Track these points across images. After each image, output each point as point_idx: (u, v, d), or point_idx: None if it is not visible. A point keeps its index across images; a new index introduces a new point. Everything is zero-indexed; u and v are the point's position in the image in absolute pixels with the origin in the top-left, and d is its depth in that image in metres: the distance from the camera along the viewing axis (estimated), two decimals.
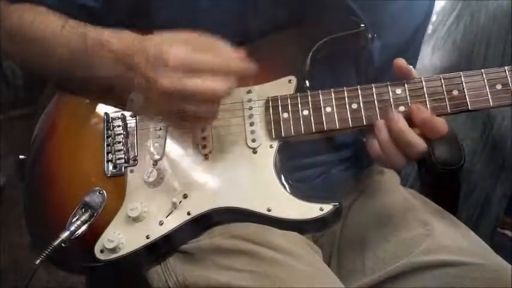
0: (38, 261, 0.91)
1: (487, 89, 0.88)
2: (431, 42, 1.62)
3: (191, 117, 0.87)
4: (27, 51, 0.98)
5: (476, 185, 1.65)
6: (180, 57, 0.82)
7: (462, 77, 0.89)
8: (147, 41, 0.86)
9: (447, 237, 0.97)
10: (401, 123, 0.87)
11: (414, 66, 1.07)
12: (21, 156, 1.08)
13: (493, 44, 1.58)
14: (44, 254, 0.91)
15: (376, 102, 0.91)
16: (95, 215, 0.96)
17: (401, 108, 0.90)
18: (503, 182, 1.66)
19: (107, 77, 0.90)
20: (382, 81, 0.93)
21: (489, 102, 0.88)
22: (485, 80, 0.89)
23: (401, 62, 0.90)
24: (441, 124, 0.87)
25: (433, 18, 1.64)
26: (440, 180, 1.27)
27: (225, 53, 0.85)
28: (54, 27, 0.94)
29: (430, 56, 1.62)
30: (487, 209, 1.67)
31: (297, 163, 1.02)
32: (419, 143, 0.87)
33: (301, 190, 0.94)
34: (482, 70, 0.89)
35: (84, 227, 0.95)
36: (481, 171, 1.64)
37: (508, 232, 1.88)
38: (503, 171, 1.65)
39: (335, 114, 0.92)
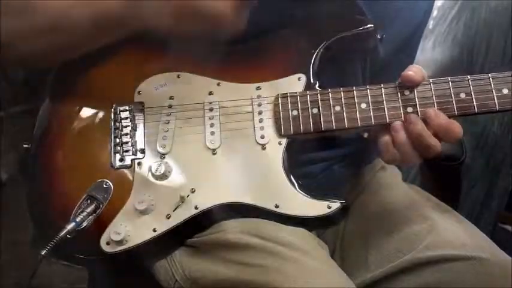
0: (43, 252, 0.91)
1: (494, 93, 0.90)
2: (432, 38, 1.63)
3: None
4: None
5: (477, 180, 1.67)
6: None
7: (469, 81, 0.91)
8: None
9: (449, 232, 0.98)
10: (421, 126, 0.89)
11: (412, 62, 1.08)
12: (25, 145, 1.06)
13: (494, 39, 1.58)
14: (49, 245, 0.90)
15: (384, 102, 0.92)
16: (101, 207, 0.96)
17: (409, 109, 0.91)
18: (504, 177, 1.68)
19: None
20: (382, 76, 0.95)
21: (495, 106, 0.90)
22: (492, 84, 0.90)
23: (408, 75, 0.91)
24: (458, 129, 0.88)
25: (434, 13, 1.64)
26: (442, 176, 1.28)
27: None
28: None
29: (431, 51, 1.62)
30: (488, 204, 1.69)
31: (301, 158, 1.03)
32: (437, 145, 0.88)
33: (309, 187, 0.95)
34: (490, 74, 0.91)
35: (89, 219, 0.95)
36: (482, 167, 1.66)
37: (508, 227, 1.89)
38: (504, 167, 1.67)
39: (344, 113, 0.93)
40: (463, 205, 1.61)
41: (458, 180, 1.34)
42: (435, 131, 0.89)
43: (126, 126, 0.99)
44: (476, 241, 0.97)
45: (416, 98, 0.91)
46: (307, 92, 0.96)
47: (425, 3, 1.13)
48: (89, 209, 0.95)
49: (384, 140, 0.92)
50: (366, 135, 0.98)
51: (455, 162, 1.19)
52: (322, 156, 1.08)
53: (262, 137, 0.96)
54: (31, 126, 1.06)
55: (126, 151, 0.99)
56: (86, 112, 1.01)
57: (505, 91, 0.90)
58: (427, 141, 0.88)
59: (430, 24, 1.63)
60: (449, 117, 0.90)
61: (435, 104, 0.91)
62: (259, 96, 0.97)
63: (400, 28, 1.08)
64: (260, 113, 0.97)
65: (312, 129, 0.94)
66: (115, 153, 0.99)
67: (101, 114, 1.00)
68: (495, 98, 0.90)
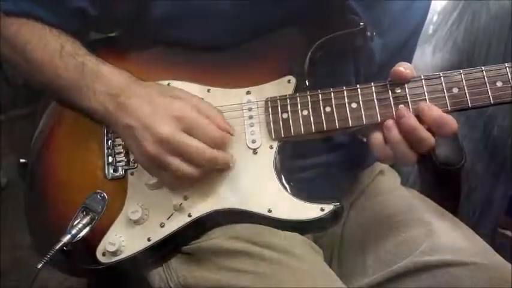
0: (39, 265, 0.91)
1: (488, 86, 0.88)
2: (433, 42, 1.62)
3: (169, 171, 0.90)
4: (20, 65, 1.00)
5: (477, 185, 1.64)
6: (185, 112, 0.89)
7: (462, 75, 0.89)
8: (148, 89, 0.92)
9: (448, 237, 0.97)
10: (413, 120, 0.87)
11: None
12: (22, 160, 1.08)
13: (494, 44, 1.57)
14: (46, 258, 0.91)
15: (375, 101, 0.91)
16: (96, 218, 0.96)
17: (401, 107, 0.90)
18: (503, 182, 1.65)
19: (93, 108, 0.94)
20: (381, 80, 0.93)
21: (489, 100, 0.88)
22: (486, 77, 0.88)
23: (398, 71, 0.90)
24: (452, 122, 0.86)
25: (434, 18, 1.63)
26: (441, 180, 1.26)
27: (221, 126, 0.92)
28: (51, 50, 0.97)
29: (431, 56, 1.61)
30: (488, 209, 1.66)
31: (297, 164, 1.02)
32: (430, 138, 0.86)
33: (302, 190, 0.94)
34: (483, 67, 0.89)
35: (85, 230, 0.95)
36: (481, 171, 1.63)
37: (508, 232, 1.87)
38: (504, 171, 1.64)
39: (335, 113, 0.92)
40: (462, 210, 1.58)
41: (457, 185, 1.31)
42: (429, 125, 0.87)
43: (118, 137, 0.99)
44: (474, 246, 0.96)
45: (408, 95, 0.89)
46: (297, 94, 0.95)
47: (422, 5, 1.13)
48: (84, 221, 0.96)
49: (374, 139, 0.91)
50: (365, 139, 0.97)
51: (454, 167, 1.17)
52: (320, 161, 1.07)
53: (254, 141, 0.95)
54: (30, 134, 1.08)
55: (119, 161, 0.99)
56: (80, 124, 1.01)
57: (499, 84, 0.88)
58: (420, 135, 0.86)
59: (430, 29, 1.62)
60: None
61: (427, 100, 0.88)
62: (249, 101, 0.97)
63: (398, 31, 1.07)
64: (251, 117, 0.96)
65: (302, 131, 0.93)
66: (108, 164, 0.99)
67: (94, 126, 1.00)
68: (489, 92, 0.88)
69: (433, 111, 0.87)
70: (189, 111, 0.90)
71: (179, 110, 0.89)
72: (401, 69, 0.89)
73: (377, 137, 0.90)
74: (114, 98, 0.92)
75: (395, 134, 0.88)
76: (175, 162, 0.89)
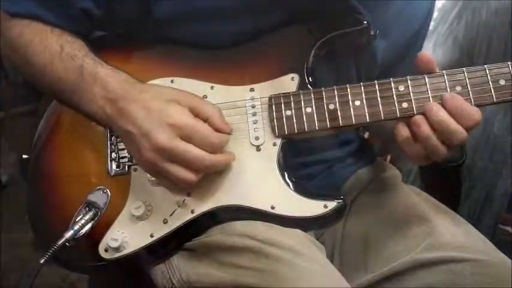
0: (42, 261, 0.92)
1: (491, 84, 0.88)
2: (433, 39, 1.62)
3: (168, 177, 0.90)
4: (22, 67, 1.01)
5: (478, 182, 1.64)
6: (181, 119, 0.88)
7: (465, 73, 0.89)
8: (144, 93, 0.91)
9: (449, 234, 0.97)
10: (443, 112, 0.86)
11: None
12: (24, 156, 1.08)
13: (495, 41, 1.57)
14: (49, 253, 0.91)
15: (379, 99, 0.91)
16: (99, 214, 0.96)
17: (405, 105, 0.90)
18: (504, 179, 1.66)
19: (93, 111, 0.94)
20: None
21: (492, 98, 0.89)
22: (489, 76, 0.89)
23: (425, 54, 0.90)
24: (474, 111, 0.86)
25: (435, 14, 1.63)
26: (442, 177, 1.26)
27: (219, 127, 0.91)
28: (51, 52, 0.97)
29: (431, 52, 1.61)
30: (489, 205, 1.67)
31: (300, 160, 1.03)
32: (462, 131, 0.86)
33: (305, 187, 0.94)
34: (486, 66, 0.89)
35: (88, 226, 0.95)
36: (482, 168, 1.64)
37: (509, 228, 1.88)
38: (505, 168, 1.65)
39: (338, 111, 0.92)
40: (463, 207, 1.60)
41: (458, 182, 1.32)
42: (455, 117, 0.86)
43: None
44: (476, 243, 0.97)
45: (411, 93, 0.90)
46: (300, 91, 0.95)
47: (425, 5, 1.13)
48: (87, 217, 0.96)
49: (402, 138, 0.89)
50: (366, 135, 0.97)
51: (455, 164, 1.17)
52: (323, 157, 1.08)
53: (257, 138, 0.95)
54: (31, 131, 1.08)
55: (123, 158, 0.99)
56: (83, 120, 1.00)
57: (502, 82, 0.88)
58: (451, 127, 0.85)
59: (431, 25, 1.62)
60: None
61: (430, 98, 0.89)
62: (252, 98, 0.97)
63: (402, 32, 1.08)
64: (254, 114, 0.96)
65: (306, 129, 0.93)
66: (111, 160, 0.99)
67: (97, 123, 1.00)
68: (492, 90, 0.88)
69: (457, 100, 0.87)
70: (186, 116, 0.89)
71: (175, 117, 0.89)
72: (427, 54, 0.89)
73: (403, 134, 0.89)
74: (113, 103, 0.92)
75: (425, 128, 0.87)
76: (174, 169, 0.89)
